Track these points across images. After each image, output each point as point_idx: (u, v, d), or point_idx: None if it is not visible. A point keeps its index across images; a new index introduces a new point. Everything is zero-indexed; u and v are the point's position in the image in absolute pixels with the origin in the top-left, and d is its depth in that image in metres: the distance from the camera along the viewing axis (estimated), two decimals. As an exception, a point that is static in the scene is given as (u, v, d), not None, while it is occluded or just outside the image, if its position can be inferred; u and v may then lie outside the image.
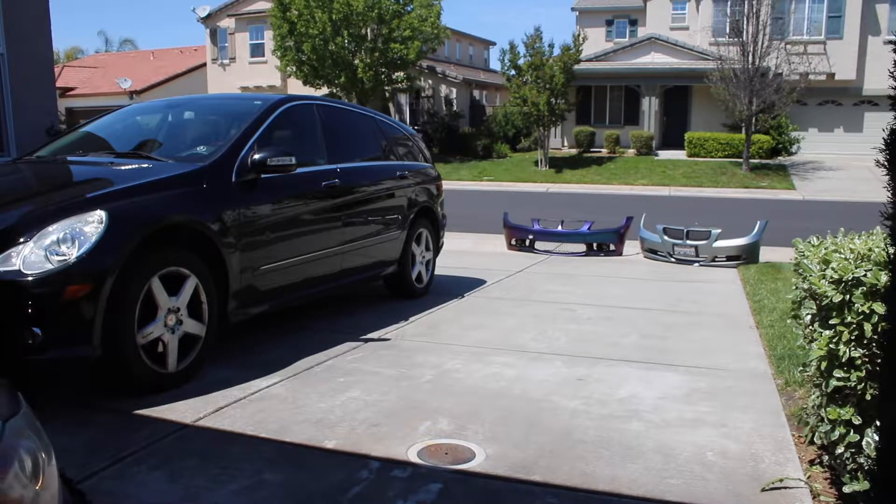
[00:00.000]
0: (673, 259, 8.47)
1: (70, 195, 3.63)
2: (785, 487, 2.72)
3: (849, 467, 2.43)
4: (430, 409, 3.43)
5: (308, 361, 4.15)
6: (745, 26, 21.97)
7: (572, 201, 17.72)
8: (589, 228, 9.22)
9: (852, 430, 2.41)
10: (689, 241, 8.43)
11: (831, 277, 2.50)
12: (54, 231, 3.19)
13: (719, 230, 8.41)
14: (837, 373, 2.45)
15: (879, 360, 2.26)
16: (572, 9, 34.03)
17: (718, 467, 2.88)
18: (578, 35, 24.45)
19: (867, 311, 2.36)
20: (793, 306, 3.21)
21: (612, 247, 9.03)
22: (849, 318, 2.42)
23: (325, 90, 25.93)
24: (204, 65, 33.09)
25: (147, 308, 3.43)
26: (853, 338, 2.41)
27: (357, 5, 23.95)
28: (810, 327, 2.85)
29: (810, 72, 23.65)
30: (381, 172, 5.77)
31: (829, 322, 2.50)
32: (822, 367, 2.52)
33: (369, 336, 4.77)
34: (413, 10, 25.61)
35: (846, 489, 2.42)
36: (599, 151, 26.55)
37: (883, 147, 1.87)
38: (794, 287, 3.25)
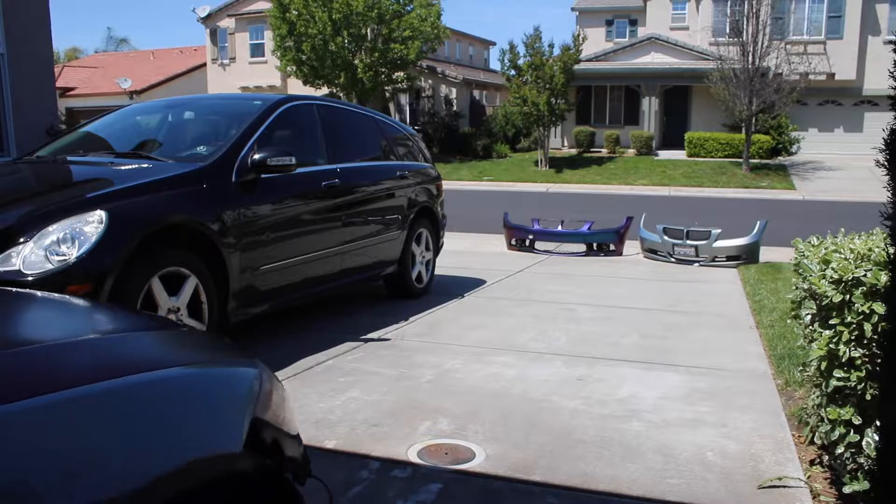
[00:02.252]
0: (673, 259, 8.47)
1: (70, 195, 3.63)
2: (784, 487, 2.72)
3: (849, 467, 2.43)
4: (430, 409, 3.43)
5: (308, 361, 4.15)
6: (745, 26, 21.95)
7: (572, 201, 17.72)
8: (589, 228, 9.22)
9: (852, 430, 2.41)
10: (689, 241, 8.43)
11: (831, 277, 2.50)
12: (54, 231, 3.19)
13: (719, 230, 8.41)
14: (837, 373, 2.45)
15: (879, 360, 2.26)
16: (572, 9, 34.03)
17: (718, 467, 2.88)
18: (578, 35, 24.44)
19: (867, 311, 2.36)
20: (793, 306, 3.21)
21: (612, 247, 9.03)
22: (849, 318, 2.42)
23: (325, 90, 25.93)
24: (204, 65, 33.09)
25: (147, 308, 3.43)
26: (853, 338, 2.41)
27: (357, 5, 23.94)
28: (810, 327, 2.85)
29: (810, 72, 23.65)
30: (381, 172, 5.77)
31: (829, 322, 2.50)
32: (822, 367, 2.52)
33: (369, 336, 4.77)
34: (413, 10, 25.60)
35: (846, 489, 2.42)
36: (599, 151, 26.54)
37: (883, 147, 1.87)
38: (794, 287, 3.25)
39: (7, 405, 0.99)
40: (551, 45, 23.93)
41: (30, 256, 3.11)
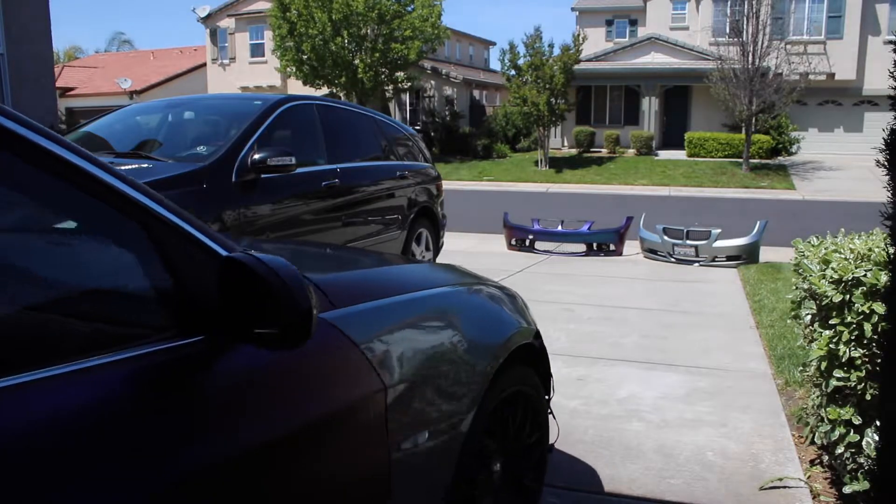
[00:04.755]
0: (673, 259, 8.47)
1: (70, 195, 3.62)
2: (785, 487, 2.72)
3: (849, 467, 2.43)
4: (430, 409, 3.43)
5: (308, 361, 4.14)
6: (745, 26, 21.94)
7: (572, 201, 17.72)
8: (589, 228, 9.21)
9: (852, 430, 2.41)
10: (689, 241, 8.43)
11: (831, 277, 2.50)
12: (54, 231, 3.18)
13: (719, 230, 8.41)
14: (837, 373, 2.45)
15: (879, 360, 2.26)
16: (572, 9, 34.02)
17: (718, 467, 2.88)
18: (578, 35, 24.43)
19: (867, 311, 2.36)
20: (793, 306, 3.21)
21: (612, 247, 9.03)
22: (849, 318, 2.42)
23: (325, 90, 25.92)
24: (204, 65, 33.09)
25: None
26: (853, 338, 2.42)
27: (357, 5, 23.93)
28: (810, 327, 2.85)
29: (810, 72, 23.63)
30: (381, 172, 5.77)
31: (829, 322, 2.50)
32: (822, 367, 2.52)
33: (369, 336, 4.76)
34: (414, 10, 25.59)
35: (846, 489, 2.42)
36: (599, 151, 26.53)
37: (883, 147, 1.87)
38: (794, 287, 3.25)
39: (444, 288, 2.07)
40: (551, 45, 23.92)
41: (30, 256, 3.10)
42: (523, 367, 2.20)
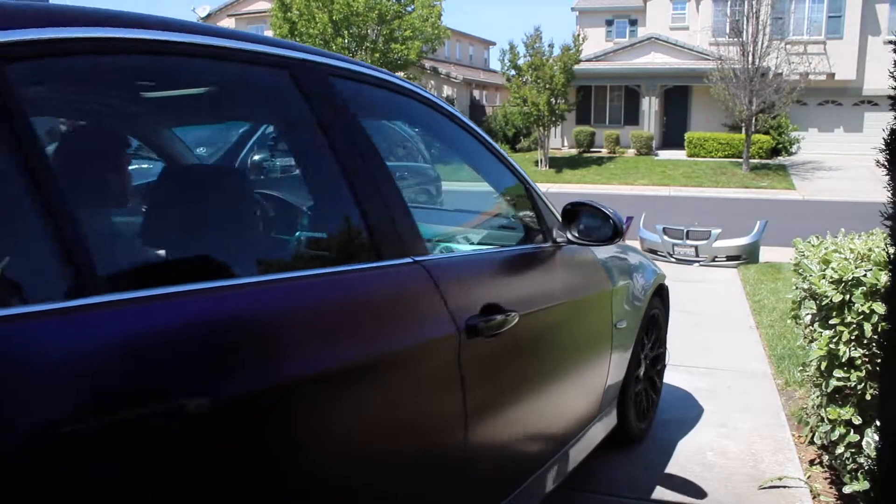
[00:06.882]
0: (673, 259, 8.46)
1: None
2: (785, 487, 2.72)
3: (849, 467, 2.43)
4: (430, 409, 3.42)
5: (308, 362, 4.13)
6: (745, 26, 21.93)
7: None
8: (589, 228, 9.20)
9: (852, 430, 2.41)
10: (689, 241, 8.42)
11: (831, 277, 2.50)
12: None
13: (719, 230, 8.40)
14: (837, 373, 2.45)
15: (879, 360, 2.26)
16: (572, 9, 34.01)
17: (718, 467, 2.88)
18: (578, 35, 24.42)
19: (867, 311, 2.36)
20: (793, 306, 3.21)
21: (612, 247, 9.02)
22: (849, 318, 2.42)
23: (325, 90, 25.87)
24: (204, 65, 33.08)
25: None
26: (853, 338, 2.42)
27: (357, 6, 23.94)
28: (810, 327, 2.85)
29: (810, 72, 23.61)
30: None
31: (829, 322, 2.50)
32: (822, 367, 2.52)
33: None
34: (414, 11, 25.60)
35: (846, 489, 2.42)
36: (599, 151, 26.53)
37: (883, 147, 1.87)
38: (794, 287, 3.25)
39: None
40: (551, 46, 23.89)
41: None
42: (657, 298, 3.22)
